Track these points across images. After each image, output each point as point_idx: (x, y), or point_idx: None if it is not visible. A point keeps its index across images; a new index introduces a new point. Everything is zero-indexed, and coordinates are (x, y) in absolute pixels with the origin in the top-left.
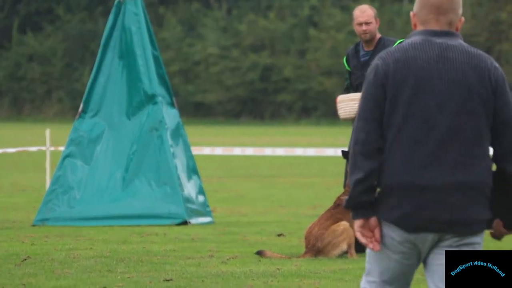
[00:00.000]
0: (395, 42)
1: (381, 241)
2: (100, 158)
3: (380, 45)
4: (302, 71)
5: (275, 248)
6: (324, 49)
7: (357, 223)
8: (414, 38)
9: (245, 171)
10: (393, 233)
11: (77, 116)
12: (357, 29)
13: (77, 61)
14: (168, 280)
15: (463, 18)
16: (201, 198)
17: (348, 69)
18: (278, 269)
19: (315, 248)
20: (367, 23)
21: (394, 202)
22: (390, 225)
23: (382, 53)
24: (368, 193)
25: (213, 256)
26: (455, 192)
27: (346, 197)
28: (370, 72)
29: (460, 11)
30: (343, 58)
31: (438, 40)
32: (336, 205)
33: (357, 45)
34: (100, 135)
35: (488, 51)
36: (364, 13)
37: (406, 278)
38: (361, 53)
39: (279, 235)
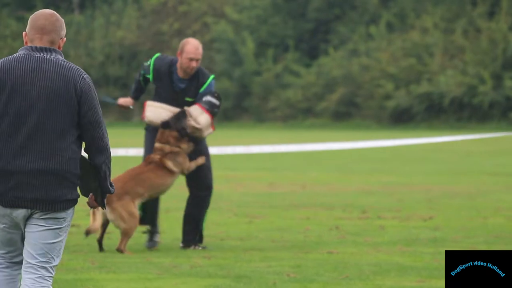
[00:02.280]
0: (209, 76)
1: None
2: None
3: (197, 75)
4: None
5: None
6: (1, 56)
7: None
8: (19, 52)
9: None
10: None
11: None
12: (185, 62)
13: None
14: None
15: (65, 38)
16: None
17: (150, 79)
18: None
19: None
20: (197, 60)
21: None
22: None
23: None
24: None
25: None
26: (39, 176)
27: (157, 156)
28: None
29: (63, 32)
30: (151, 59)
31: (38, 54)
32: (148, 162)
33: (171, 65)
34: None
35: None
36: (197, 50)
37: (16, 243)
38: (175, 77)
39: None
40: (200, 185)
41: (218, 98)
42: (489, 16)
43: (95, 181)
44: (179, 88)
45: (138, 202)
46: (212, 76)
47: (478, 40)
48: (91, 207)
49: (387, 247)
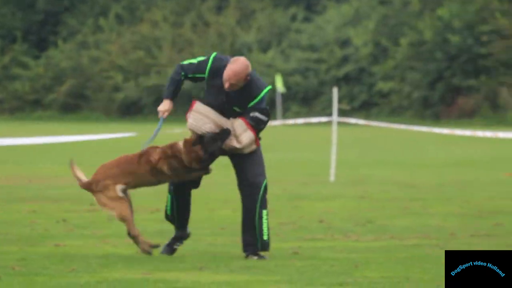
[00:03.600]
0: (263, 90)
1: None
2: None
3: (249, 86)
4: None
5: None
6: None
7: None
8: None
9: None
10: None
11: None
12: (224, 79)
13: None
14: None
15: None
16: None
17: (205, 76)
18: None
19: (91, 188)
20: (232, 84)
21: None
22: None
23: None
24: None
25: None
26: None
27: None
28: None
29: None
30: (210, 58)
31: None
32: (140, 155)
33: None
34: None
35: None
36: (235, 76)
37: None
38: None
39: None
40: (242, 182)
41: (266, 114)
42: (217, 10)
43: None
44: (229, 94)
45: (121, 188)
46: (265, 90)
47: (207, 33)
48: None
49: (115, 239)
